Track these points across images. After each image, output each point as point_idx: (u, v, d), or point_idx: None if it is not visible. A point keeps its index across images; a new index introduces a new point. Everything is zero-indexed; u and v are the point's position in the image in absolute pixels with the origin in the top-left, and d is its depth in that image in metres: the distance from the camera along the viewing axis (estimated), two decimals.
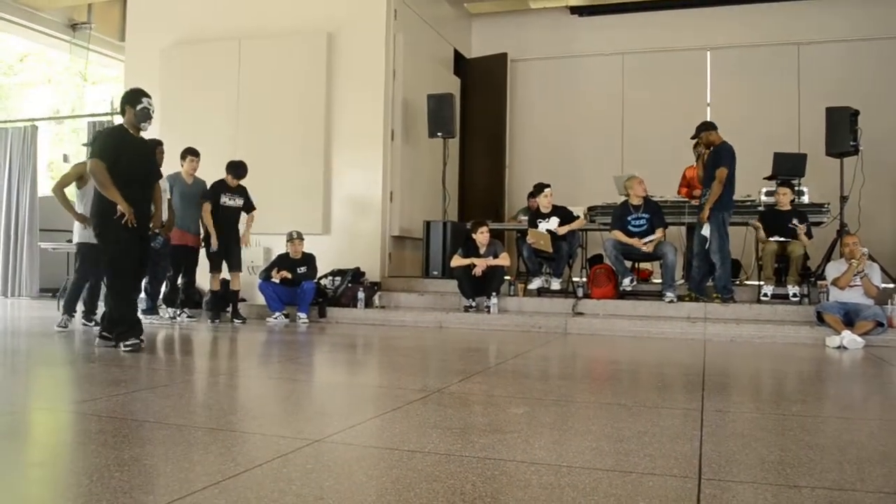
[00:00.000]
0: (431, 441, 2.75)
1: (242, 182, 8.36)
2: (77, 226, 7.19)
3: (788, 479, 2.40)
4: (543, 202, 8.81)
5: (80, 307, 7.38)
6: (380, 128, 9.72)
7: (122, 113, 5.73)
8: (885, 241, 9.40)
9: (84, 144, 7.89)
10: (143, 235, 5.71)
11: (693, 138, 8.23)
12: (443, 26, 11.70)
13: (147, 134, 5.99)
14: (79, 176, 7.14)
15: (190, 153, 8.19)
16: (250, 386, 4.40)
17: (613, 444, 2.82)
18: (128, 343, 5.41)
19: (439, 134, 9.90)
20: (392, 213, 9.90)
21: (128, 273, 5.60)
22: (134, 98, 5.67)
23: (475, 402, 3.66)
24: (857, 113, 8.54)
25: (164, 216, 6.99)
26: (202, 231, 8.25)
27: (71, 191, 7.37)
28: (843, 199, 8.59)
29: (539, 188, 8.92)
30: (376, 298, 8.89)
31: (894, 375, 5.30)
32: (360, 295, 8.69)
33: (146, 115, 5.64)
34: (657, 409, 3.63)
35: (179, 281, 8.30)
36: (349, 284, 8.85)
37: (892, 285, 8.09)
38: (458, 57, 12.26)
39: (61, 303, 7.50)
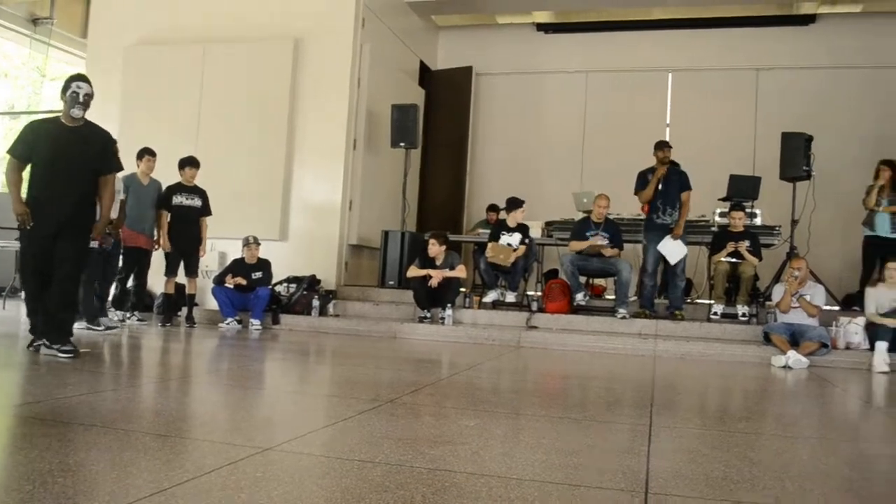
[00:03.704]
0: (382, 451, 2.75)
1: (202, 186, 8.28)
2: None
3: (731, 494, 2.44)
4: (518, 216, 8.81)
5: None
6: (342, 136, 9.71)
7: None
8: (832, 266, 9.64)
9: None
10: (65, 235, 5.20)
11: (666, 146, 8.26)
12: (410, 37, 11.75)
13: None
14: None
15: (146, 153, 8.07)
16: (200, 392, 4.35)
17: (563, 457, 2.84)
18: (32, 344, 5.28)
19: (402, 144, 9.91)
20: (351, 222, 9.88)
21: (30, 275, 5.31)
22: (65, 85, 5.28)
23: (427, 414, 3.67)
24: (811, 139, 8.77)
25: (115, 215, 6.82)
26: (156, 233, 8.14)
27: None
28: (794, 222, 8.80)
29: (516, 203, 8.89)
30: (331, 307, 8.85)
31: (836, 395, 5.44)
32: (315, 303, 8.64)
33: (74, 100, 5.20)
34: (607, 424, 3.67)
35: (130, 283, 8.15)
36: (304, 292, 8.80)
37: (836, 307, 8.32)
38: (423, 68, 12.31)
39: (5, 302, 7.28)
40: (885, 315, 6.94)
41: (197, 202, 8.21)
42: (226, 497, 2.13)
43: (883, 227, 8.34)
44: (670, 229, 8.14)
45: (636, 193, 8.35)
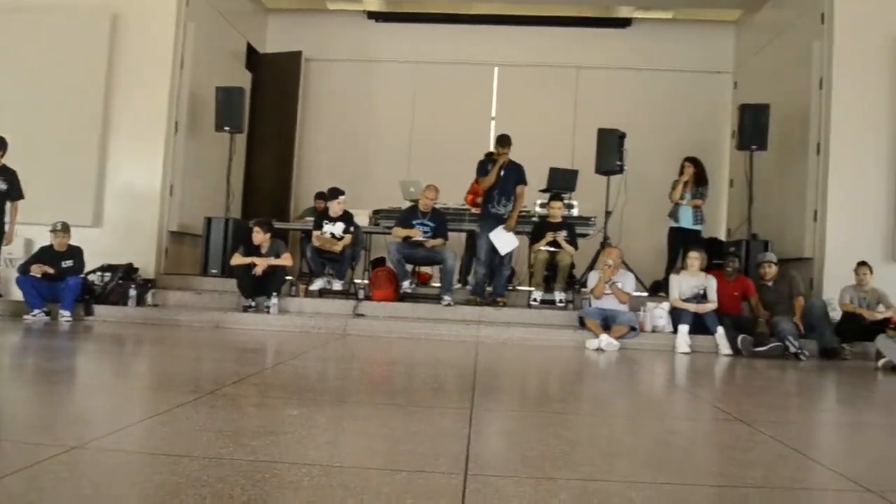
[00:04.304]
0: (200, 445, 2.67)
1: (9, 165, 7.62)
2: None
3: (546, 472, 2.58)
4: (336, 208, 8.75)
5: None
6: (163, 118, 9.28)
7: None
8: (641, 255, 10.27)
9: None
10: None
11: (507, 143, 8.44)
12: (237, 18, 11.37)
13: None
14: None
15: None
16: (0, 389, 4.03)
17: (386, 443, 2.88)
18: None
19: (226, 128, 9.59)
20: (171, 208, 9.47)
21: None
22: None
23: (249, 404, 3.60)
24: (624, 135, 9.35)
25: None
26: None
27: None
28: (608, 213, 9.36)
29: (335, 193, 8.82)
30: (149, 296, 8.45)
31: (643, 375, 5.86)
32: (132, 292, 8.21)
33: None
34: (430, 409, 3.76)
35: None
36: (120, 281, 8.35)
37: (644, 293, 8.94)
38: (251, 51, 11.95)
39: None
40: (687, 300, 7.55)
41: (1, 185, 7.56)
42: (27, 501, 2.00)
43: (686, 220, 9.06)
44: (504, 220, 8.39)
45: (477, 181, 8.52)
